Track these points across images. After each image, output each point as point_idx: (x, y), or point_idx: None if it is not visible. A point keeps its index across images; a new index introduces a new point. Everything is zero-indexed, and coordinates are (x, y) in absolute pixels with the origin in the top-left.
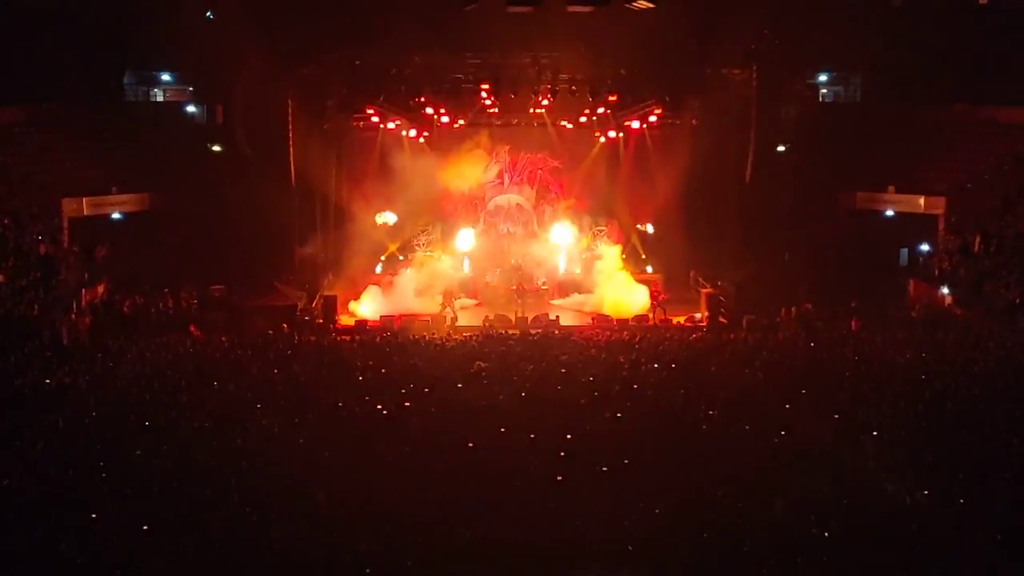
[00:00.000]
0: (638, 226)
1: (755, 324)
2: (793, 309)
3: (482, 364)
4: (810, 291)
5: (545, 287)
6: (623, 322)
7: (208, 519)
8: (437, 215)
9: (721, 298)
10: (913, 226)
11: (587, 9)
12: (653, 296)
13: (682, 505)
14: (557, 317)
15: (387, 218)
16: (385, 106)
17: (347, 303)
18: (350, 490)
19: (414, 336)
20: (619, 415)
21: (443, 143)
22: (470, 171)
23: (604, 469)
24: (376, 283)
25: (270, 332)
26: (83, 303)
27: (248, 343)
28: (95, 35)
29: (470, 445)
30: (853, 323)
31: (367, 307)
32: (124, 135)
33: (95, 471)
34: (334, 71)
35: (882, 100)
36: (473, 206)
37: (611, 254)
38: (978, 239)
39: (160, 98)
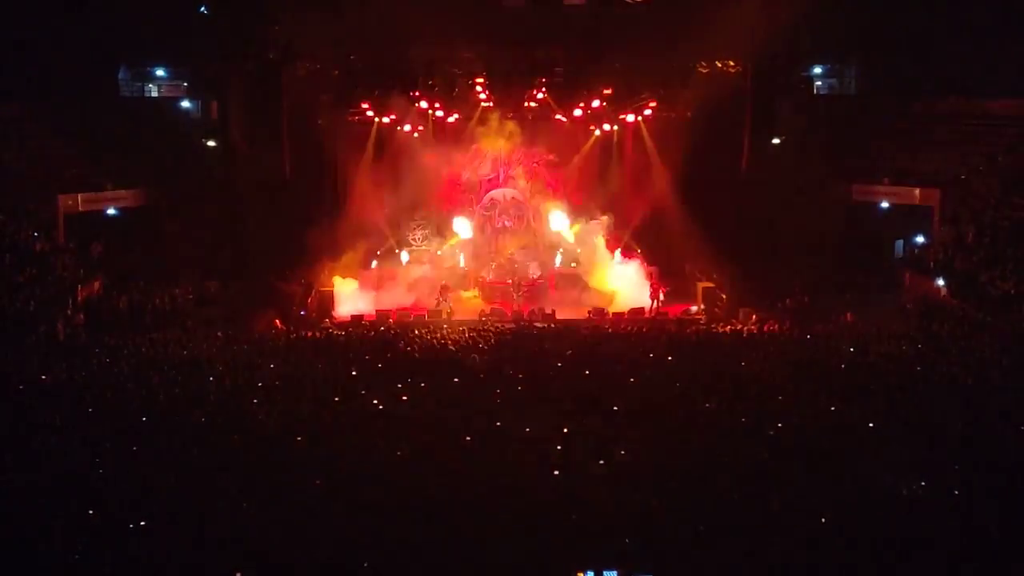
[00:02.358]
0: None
1: (751, 317)
2: (789, 301)
3: (476, 357)
4: (805, 283)
5: (541, 280)
6: (620, 315)
7: (206, 516)
8: (432, 209)
9: (717, 291)
10: (908, 218)
11: (581, 2)
12: (652, 289)
13: (679, 499)
14: (553, 311)
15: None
16: (380, 101)
17: (342, 298)
18: (347, 486)
19: (410, 330)
20: (615, 408)
21: (438, 137)
22: (465, 165)
23: (601, 463)
24: (369, 276)
25: (266, 327)
26: (79, 299)
27: (244, 338)
28: (89, 30)
29: (467, 439)
30: (848, 315)
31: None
32: (119, 131)
33: (92, 468)
34: (329, 66)
35: (877, 92)
36: (468, 200)
37: (601, 240)
38: (973, 231)
39: (155, 93)
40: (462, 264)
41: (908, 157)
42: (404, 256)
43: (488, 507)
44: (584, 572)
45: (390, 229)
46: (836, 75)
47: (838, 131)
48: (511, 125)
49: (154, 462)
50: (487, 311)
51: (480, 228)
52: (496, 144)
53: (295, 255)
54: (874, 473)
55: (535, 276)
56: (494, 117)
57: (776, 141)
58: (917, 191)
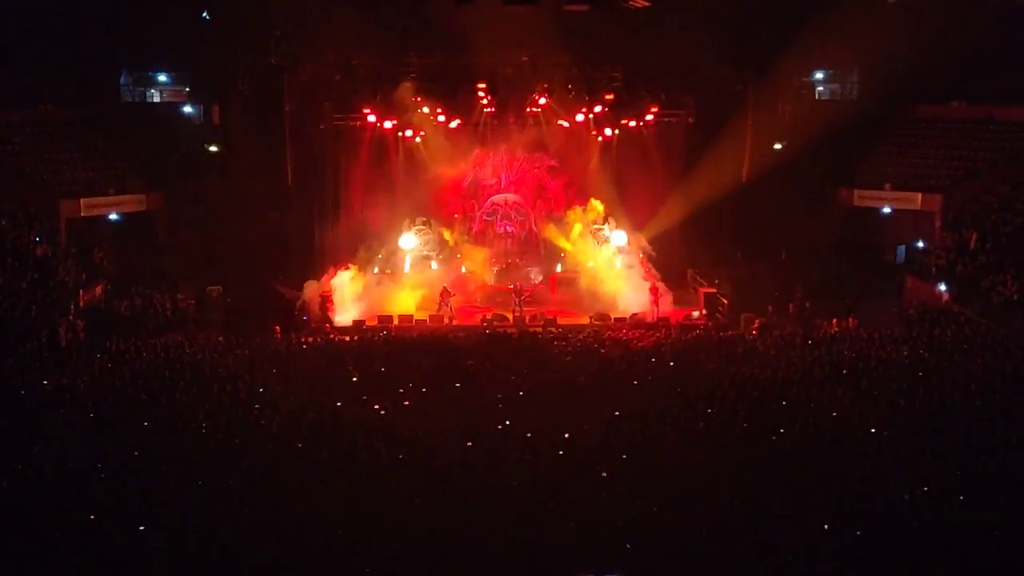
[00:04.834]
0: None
1: (753, 322)
2: (791, 306)
3: (472, 363)
4: (807, 288)
5: (543, 286)
6: (621, 320)
7: (206, 520)
8: (434, 214)
9: (719, 296)
10: (910, 223)
11: (583, 8)
12: (652, 295)
13: (680, 503)
14: (555, 316)
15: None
16: (382, 105)
17: (344, 303)
18: (348, 490)
19: (412, 336)
20: (617, 413)
21: (440, 143)
22: (467, 171)
23: (603, 471)
24: (370, 281)
25: (267, 332)
26: (81, 304)
27: (245, 343)
28: (92, 36)
29: (468, 444)
30: (851, 320)
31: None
32: (121, 136)
33: (93, 472)
34: (331, 71)
35: (879, 98)
36: (470, 205)
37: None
38: (975, 236)
39: (157, 99)
40: (463, 269)
41: (910, 162)
42: (406, 261)
43: (491, 511)
44: (585, 573)
45: (392, 234)
46: (838, 80)
47: (839, 136)
48: (513, 130)
49: (155, 467)
50: (489, 317)
51: (481, 233)
52: (498, 149)
53: (297, 260)
54: (876, 478)
55: (537, 281)
56: (496, 122)
57: (778, 146)
58: (919, 196)
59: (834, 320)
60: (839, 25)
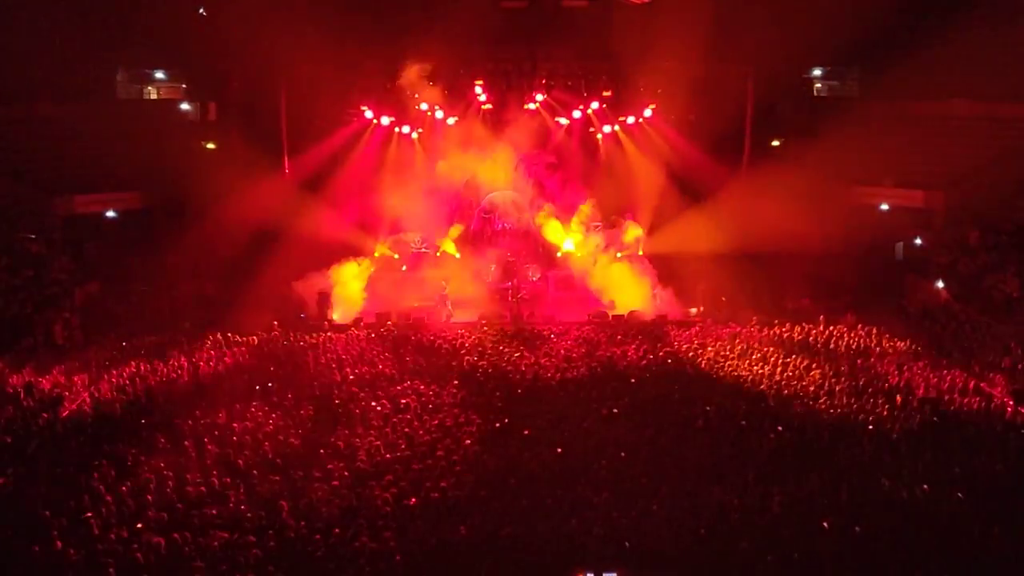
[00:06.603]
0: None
1: (751, 319)
2: (789, 304)
3: (472, 360)
4: (807, 285)
5: (541, 283)
6: (619, 318)
7: (204, 519)
8: (431, 212)
9: (718, 293)
10: (910, 220)
11: (582, 4)
12: (652, 292)
13: (679, 501)
14: (552, 313)
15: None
16: (379, 102)
17: (341, 301)
18: (346, 488)
19: (409, 333)
20: (615, 411)
21: (437, 139)
22: (465, 167)
23: (603, 462)
24: (368, 279)
25: (265, 329)
26: (76, 302)
27: (243, 341)
28: (88, 33)
29: (467, 442)
30: (849, 317)
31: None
32: (117, 133)
33: (89, 469)
34: (328, 67)
35: (878, 94)
36: (468, 202)
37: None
38: (976, 234)
39: (153, 96)
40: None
41: (910, 159)
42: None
43: (489, 508)
44: (584, 573)
45: (389, 231)
46: (837, 77)
47: (839, 133)
48: (511, 127)
49: (153, 466)
50: (486, 314)
51: (479, 231)
52: (496, 146)
53: (295, 257)
54: (875, 476)
55: (534, 279)
56: (494, 119)
57: (776, 143)
58: (920, 193)
59: (834, 317)
60: (839, 21)
